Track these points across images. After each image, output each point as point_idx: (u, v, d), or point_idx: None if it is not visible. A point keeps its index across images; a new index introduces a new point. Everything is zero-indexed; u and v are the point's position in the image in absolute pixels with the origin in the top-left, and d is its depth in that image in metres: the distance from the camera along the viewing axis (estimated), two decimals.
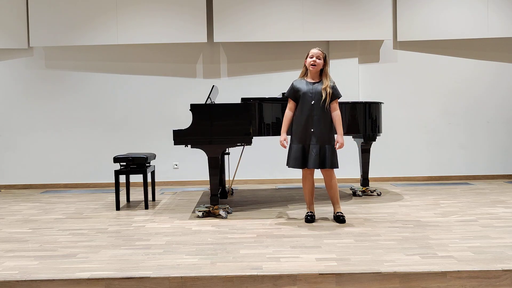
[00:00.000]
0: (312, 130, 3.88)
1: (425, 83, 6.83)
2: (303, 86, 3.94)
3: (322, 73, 3.95)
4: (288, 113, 4.00)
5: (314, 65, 3.89)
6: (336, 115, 3.97)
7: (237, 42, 6.62)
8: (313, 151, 3.85)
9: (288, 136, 4.02)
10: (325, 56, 3.94)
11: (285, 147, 3.97)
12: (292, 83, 3.99)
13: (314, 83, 3.94)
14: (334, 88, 3.95)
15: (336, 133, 3.98)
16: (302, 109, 3.92)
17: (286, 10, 6.40)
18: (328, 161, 3.87)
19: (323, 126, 3.89)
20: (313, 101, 3.89)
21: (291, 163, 3.92)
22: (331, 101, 3.91)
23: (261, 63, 6.80)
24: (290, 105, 4.00)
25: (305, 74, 4.00)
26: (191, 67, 6.77)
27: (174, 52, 6.74)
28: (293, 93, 3.96)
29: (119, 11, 6.37)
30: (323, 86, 3.89)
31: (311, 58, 3.91)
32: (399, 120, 6.78)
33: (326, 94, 3.87)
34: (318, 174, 4.06)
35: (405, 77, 6.82)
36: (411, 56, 6.80)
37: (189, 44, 6.61)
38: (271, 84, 6.61)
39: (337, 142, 3.93)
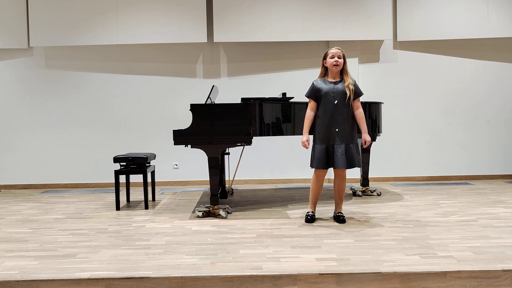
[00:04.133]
0: (336, 130, 3.84)
1: (425, 83, 6.83)
2: (324, 85, 3.89)
3: (342, 71, 3.92)
4: (309, 113, 3.94)
5: (337, 65, 3.85)
6: (360, 113, 3.95)
7: (237, 42, 6.62)
8: (338, 151, 3.81)
9: (309, 136, 3.98)
10: (344, 54, 3.91)
11: (307, 147, 3.93)
12: (313, 83, 3.95)
13: (335, 82, 3.91)
14: (355, 85, 3.92)
15: (359, 132, 3.99)
16: (325, 109, 3.87)
17: (286, 10, 6.40)
18: (356, 160, 3.86)
19: (346, 125, 3.87)
20: (336, 101, 3.85)
21: (315, 163, 3.87)
22: (353, 99, 3.89)
23: (261, 63, 6.79)
24: (312, 105, 3.93)
25: (324, 74, 3.96)
26: (191, 67, 6.77)
27: (174, 52, 6.74)
28: (314, 93, 3.91)
29: (119, 11, 6.37)
30: (346, 84, 3.87)
31: (332, 58, 3.85)
32: (399, 120, 6.78)
33: (350, 92, 3.85)
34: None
35: (405, 77, 6.82)
36: (411, 56, 6.80)
37: (189, 44, 6.61)
38: (271, 84, 6.61)
39: (364, 140, 3.94)
